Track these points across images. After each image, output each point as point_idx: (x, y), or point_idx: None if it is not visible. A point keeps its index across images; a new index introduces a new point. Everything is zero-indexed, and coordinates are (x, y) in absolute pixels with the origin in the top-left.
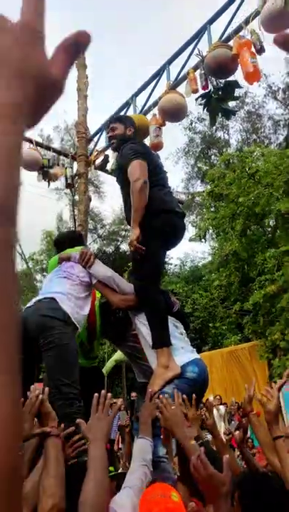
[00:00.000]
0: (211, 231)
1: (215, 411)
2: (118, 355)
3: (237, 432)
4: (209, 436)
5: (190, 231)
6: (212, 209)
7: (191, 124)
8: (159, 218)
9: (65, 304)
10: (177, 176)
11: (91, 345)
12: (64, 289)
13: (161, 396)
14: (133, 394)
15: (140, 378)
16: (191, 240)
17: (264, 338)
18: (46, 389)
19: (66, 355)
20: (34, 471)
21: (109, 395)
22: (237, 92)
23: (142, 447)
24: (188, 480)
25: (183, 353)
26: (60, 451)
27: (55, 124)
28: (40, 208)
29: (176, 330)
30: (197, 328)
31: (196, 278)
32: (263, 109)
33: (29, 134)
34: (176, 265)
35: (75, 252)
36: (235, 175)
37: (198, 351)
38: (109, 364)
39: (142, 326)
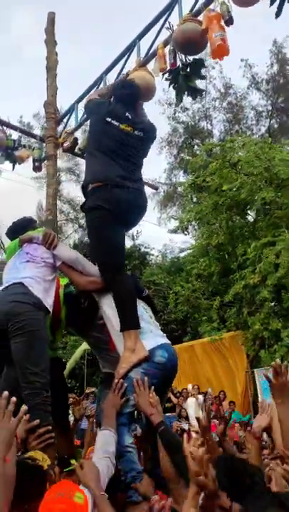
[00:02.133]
0: (193, 222)
1: (194, 399)
2: (76, 355)
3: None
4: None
5: (172, 223)
6: (194, 199)
7: (175, 113)
8: (100, 192)
9: (34, 287)
10: (160, 166)
11: (54, 335)
12: (31, 273)
13: (134, 380)
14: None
15: (104, 368)
16: (171, 231)
17: (246, 329)
18: None
19: (35, 341)
20: None
21: (13, 399)
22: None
23: (105, 439)
24: (153, 472)
25: (152, 336)
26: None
27: (35, 111)
28: (21, 197)
29: (145, 312)
30: (178, 319)
31: (177, 269)
32: (245, 100)
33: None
34: (157, 256)
35: (36, 233)
36: (217, 165)
37: (179, 342)
38: (69, 366)
39: (109, 308)
